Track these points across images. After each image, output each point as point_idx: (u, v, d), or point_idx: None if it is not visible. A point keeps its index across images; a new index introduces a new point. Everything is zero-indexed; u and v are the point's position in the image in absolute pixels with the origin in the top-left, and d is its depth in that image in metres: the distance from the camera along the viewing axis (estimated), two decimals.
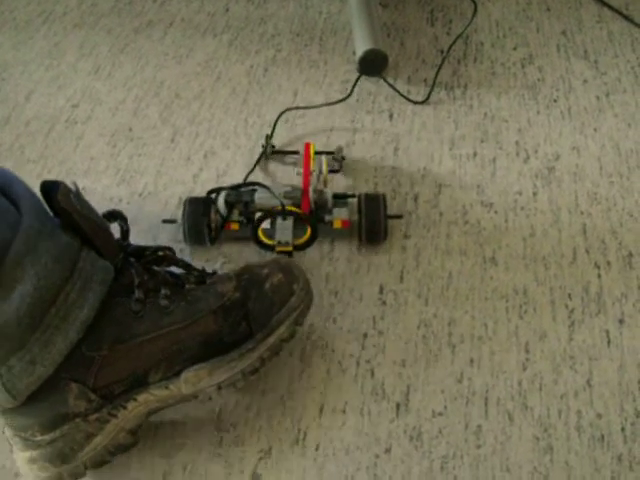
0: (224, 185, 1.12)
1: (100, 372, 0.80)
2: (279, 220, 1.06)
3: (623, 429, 0.88)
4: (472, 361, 0.95)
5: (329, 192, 1.10)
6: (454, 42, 1.44)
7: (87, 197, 1.15)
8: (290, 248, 1.05)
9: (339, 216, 1.09)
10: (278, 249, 1.05)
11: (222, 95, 1.36)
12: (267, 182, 1.18)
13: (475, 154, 1.22)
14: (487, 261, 1.06)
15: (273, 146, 1.24)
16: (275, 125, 1.27)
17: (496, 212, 1.13)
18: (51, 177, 1.21)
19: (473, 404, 0.91)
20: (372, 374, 0.94)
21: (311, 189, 1.09)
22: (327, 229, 1.09)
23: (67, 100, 1.38)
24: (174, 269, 0.90)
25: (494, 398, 0.91)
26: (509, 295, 1.02)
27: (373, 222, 1.07)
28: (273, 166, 1.23)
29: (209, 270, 1.00)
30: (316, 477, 0.86)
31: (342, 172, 1.20)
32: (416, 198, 1.15)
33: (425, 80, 1.37)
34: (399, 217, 1.10)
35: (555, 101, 1.32)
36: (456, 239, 1.09)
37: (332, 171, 1.19)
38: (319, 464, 0.86)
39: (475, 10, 1.50)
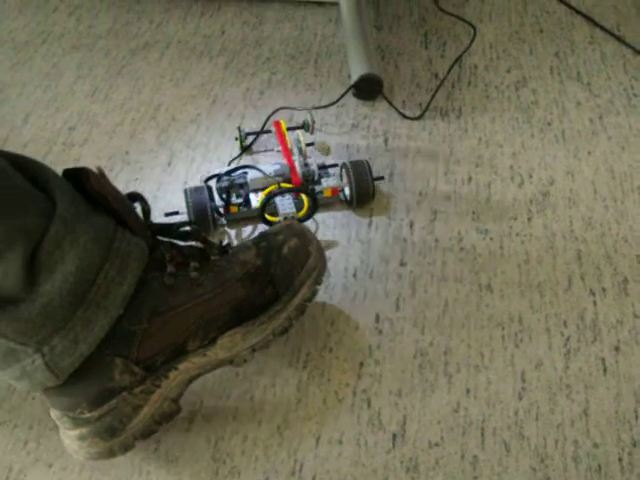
0: (217, 172, 1.19)
1: (142, 345, 0.83)
2: (278, 197, 1.15)
3: (620, 459, 0.89)
4: (468, 391, 0.95)
5: (314, 164, 1.20)
6: (451, 67, 1.45)
7: None
8: (295, 221, 1.09)
9: (328, 185, 1.18)
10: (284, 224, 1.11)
11: (218, 118, 1.37)
12: (249, 161, 1.29)
13: (470, 179, 1.23)
14: (483, 288, 1.07)
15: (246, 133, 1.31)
16: (265, 123, 1.34)
17: (491, 238, 1.13)
18: None
19: (469, 434, 0.91)
20: (368, 404, 0.95)
21: (297, 164, 1.18)
22: (318, 197, 1.17)
23: (64, 122, 1.39)
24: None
25: (490, 428, 0.92)
26: (505, 323, 1.03)
27: (362, 185, 1.16)
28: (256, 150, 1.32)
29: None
30: None
31: (314, 135, 1.33)
32: (412, 224, 1.16)
33: (420, 104, 1.38)
34: (381, 178, 1.20)
35: (549, 124, 1.33)
36: (451, 266, 1.10)
37: (308, 144, 1.29)
38: None
39: (474, 34, 1.51)
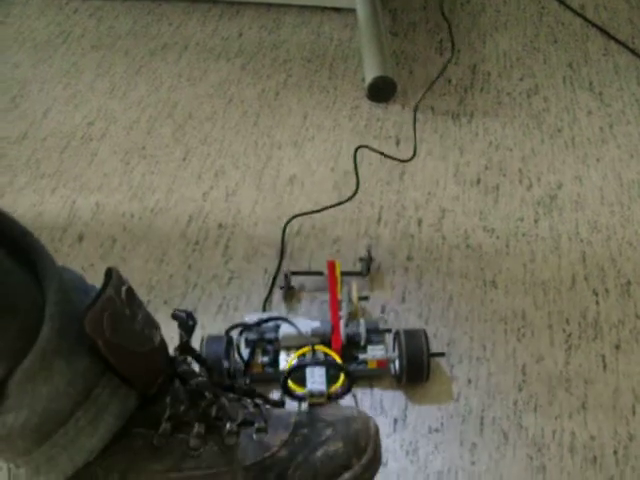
0: (245, 320, 1.00)
1: None
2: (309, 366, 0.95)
3: (615, 452, 0.90)
4: (469, 381, 0.97)
5: (362, 327, 0.99)
6: (443, 71, 1.48)
7: (99, 212, 1.19)
8: (324, 399, 0.92)
9: (374, 355, 0.97)
10: (310, 401, 0.91)
11: (234, 117, 1.40)
12: (285, 306, 1.10)
13: (479, 181, 1.25)
14: (487, 284, 1.09)
15: (291, 274, 1.10)
16: (284, 234, 1.17)
17: (498, 237, 1.15)
18: (66, 191, 1.25)
19: (469, 422, 0.93)
20: (371, 390, 0.97)
21: (342, 323, 0.99)
22: (360, 368, 0.98)
23: (83, 118, 1.42)
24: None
25: (490, 417, 0.93)
26: (508, 318, 1.04)
27: (415, 361, 0.95)
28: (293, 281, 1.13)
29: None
30: None
31: (368, 277, 1.11)
32: (420, 222, 1.18)
33: (432, 108, 1.40)
34: (442, 355, 0.99)
35: (559, 131, 1.35)
36: (458, 262, 1.12)
37: (362, 298, 1.06)
38: None
39: (449, 26, 1.53)
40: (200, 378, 0.76)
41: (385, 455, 0.89)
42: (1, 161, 1.33)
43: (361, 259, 1.11)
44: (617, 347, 1.01)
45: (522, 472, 0.88)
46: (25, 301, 0.68)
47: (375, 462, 0.78)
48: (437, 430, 0.92)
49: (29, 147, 1.35)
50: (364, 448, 0.77)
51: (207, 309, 1.07)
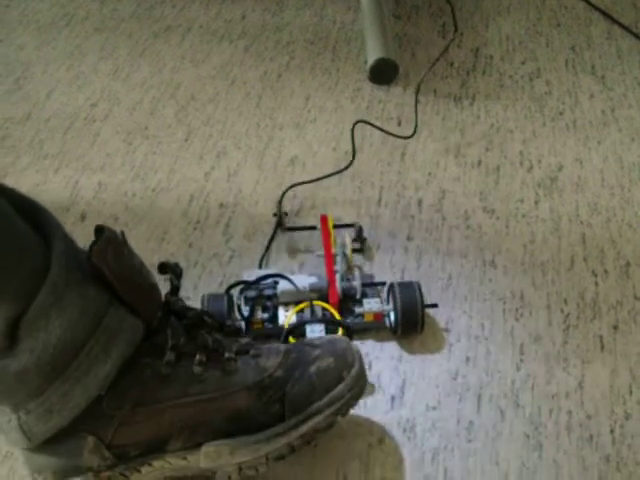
0: (243, 277, 1.05)
1: (118, 432, 0.77)
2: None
3: (612, 431, 0.90)
4: (467, 359, 0.98)
5: (358, 281, 1.02)
6: (441, 55, 1.48)
7: (102, 191, 1.19)
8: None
9: (370, 309, 1.00)
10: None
11: (236, 98, 1.40)
12: (283, 260, 1.13)
13: (480, 162, 1.25)
14: (487, 264, 1.09)
15: (286, 218, 1.17)
16: (282, 198, 1.18)
17: (498, 218, 1.16)
18: (69, 171, 1.26)
19: (466, 400, 0.93)
20: (370, 367, 0.97)
21: (338, 277, 1.02)
22: (357, 321, 1.01)
23: (86, 99, 1.42)
24: None
25: (487, 395, 0.94)
26: (507, 298, 1.05)
27: (409, 313, 0.98)
28: (288, 240, 1.16)
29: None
30: (310, 459, 0.88)
31: (364, 253, 1.13)
32: (420, 202, 1.18)
33: (435, 90, 1.40)
34: (435, 306, 1.01)
35: (561, 114, 1.35)
36: (457, 242, 1.12)
37: (356, 250, 1.11)
38: (312, 449, 0.89)
39: (452, 8, 1.53)
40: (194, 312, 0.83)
41: (382, 432, 0.90)
42: (5, 141, 1.34)
43: (355, 239, 1.12)
44: (615, 328, 1.01)
45: (519, 450, 0.88)
46: (33, 245, 0.72)
47: (362, 376, 0.85)
48: (434, 408, 0.93)
49: (32, 128, 1.36)
50: (352, 363, 0.84)
51: (208, 286, 1.07)
